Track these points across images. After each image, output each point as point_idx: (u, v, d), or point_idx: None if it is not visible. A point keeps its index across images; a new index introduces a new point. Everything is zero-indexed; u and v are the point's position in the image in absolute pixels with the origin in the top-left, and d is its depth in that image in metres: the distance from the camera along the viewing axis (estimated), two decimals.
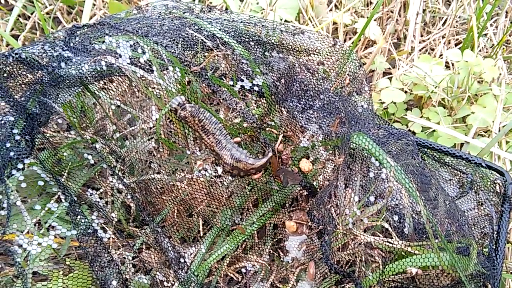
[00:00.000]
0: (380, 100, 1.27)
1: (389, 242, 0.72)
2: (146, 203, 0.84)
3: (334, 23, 1.43)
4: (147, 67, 0.73)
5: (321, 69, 0.88)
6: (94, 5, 1.39)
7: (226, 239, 0.84)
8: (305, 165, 0.87)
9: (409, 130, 1.27)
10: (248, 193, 0.83)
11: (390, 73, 1.40)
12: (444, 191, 0.82)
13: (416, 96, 1.31)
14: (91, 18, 1.35)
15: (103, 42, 0.73)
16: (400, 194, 0.84)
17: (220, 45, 0.79)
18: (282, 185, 0.85)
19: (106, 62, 0.72)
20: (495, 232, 0.91)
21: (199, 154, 0.78)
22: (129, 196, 0.79)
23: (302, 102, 0.90)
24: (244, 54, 0.80)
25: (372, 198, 0.69)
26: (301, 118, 0.90)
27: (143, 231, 0.81)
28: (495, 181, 0.96)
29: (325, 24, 1.39)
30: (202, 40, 0.76)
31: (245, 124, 0.78)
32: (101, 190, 0.81)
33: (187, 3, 0.87)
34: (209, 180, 0.79)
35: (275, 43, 0.85)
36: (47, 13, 1.37)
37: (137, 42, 0.72)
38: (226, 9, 1.32)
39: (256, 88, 0.80)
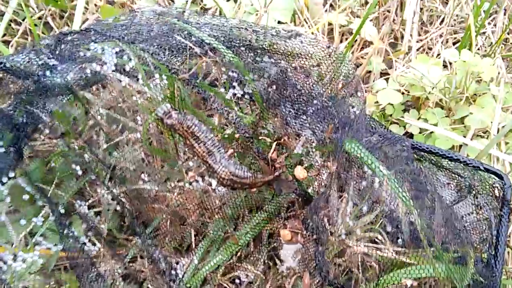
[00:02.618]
0: (377, 102, 1.25)
1: (382, 252, 0.70)
2: (138, 212, 0.82)
3: (330, 23, 1.41)
4: (133, 74, 0.71)
5: (314, 73, 0.86)
6: (86, 9, 1.37)
7: (219, 249, 0.82)
8: (300, 172, 0.85)
9: (407, 132, 1.25)
10: (241, 203, 0.82)
11: (388, 74, 1.38)
12: (440, 197, 0.80)
13: (414, 97, 1.29)
14: (83, 22, 1.33)
15: (89, 49, 0.71)
16: (394, 202, 0.82)
17: (209, 51, 0.77)
18: (276, 194, 0.84)
19: (91, 69, 0.71)
20: (494, 237, 0.89)
21: (191, 165, 0.76)
22: (118, 207, 0.77)
23: (295, 108, 0.88)
24: (234, 61, 0.78)
25: (365, 208, 0.67)
26: (295, 124, 0.88)
27: (134, 242, 0.79)
28: (494, 185, 0.94)
29: (320, 25, 1.37)
30: (190, 46, 0.74)
31: (237, 135, 0.76)
32: (91, 201, 0.79)
33: (177, 8, 0.85)
34: (201, 190, 0.78)
35: (266, 48, 0.83)
36: (39, 18, 1.35)
37: (122, 49, 0.71)
38: (220, 13, 1.30)
39: (247, 96, 0.78)
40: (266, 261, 0.89)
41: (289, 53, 0.84)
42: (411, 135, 1.25)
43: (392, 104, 1.28)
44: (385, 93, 1.24)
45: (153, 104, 0.71)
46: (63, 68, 0.74)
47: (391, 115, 1.29)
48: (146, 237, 0.79)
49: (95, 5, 1.34)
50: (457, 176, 0.98)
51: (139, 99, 0.70)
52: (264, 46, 0.83)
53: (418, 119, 1.26)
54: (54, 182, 0.75)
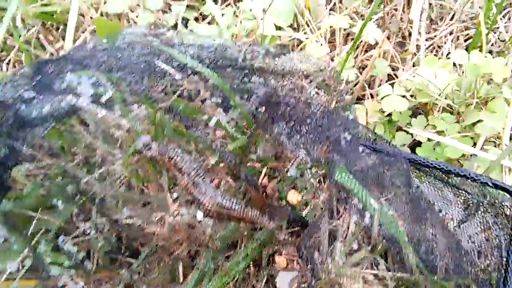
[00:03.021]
0: (381, 109, 1.19)
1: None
2: (127, 245, 0.80)
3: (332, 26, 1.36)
4: (111, 105, 0.68)
5: (309, 89, 0.81)
6: (82, 22, 1.34)
7: (211, 281, 0.79)
8: (293, 196, 0.81)
9: (414, 140, 1.19)
10: (229, 233, 0.78)
11: (396, 77, 1.32)
12: (442, 222, 0.75)
13: (421, 102, 1.23)
14: (78, 38, 1.30)
15: (63, 80, 0.68)
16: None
17: (192, 75, 0.73)
18: (267, 220, 0.80)
19: (66, 102, 0.68)
20: (504, 259, 0.84)
21: (175, 196, 0.73)
22: (101, 242, 0.75)
23: (288, 127, 0.84)
24: (219, 84, 0.74)
25: (355, 246, 0.63)
26: (288, 144, 0.84)
27: (122, 275, 0.77)
28: (503, 202, 0.89)
29: (323, 30, 1.32)
30: (170, 72, 0.70)
31: (221, 164, 0.72)
32: (73, 235, 0.77)
33: (162, 28, 0.81)
34: (187, 222, 0.74)
35: (254, 67, 0.79)
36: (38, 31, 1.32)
37: (98, 79, 0.67)
38: (215, 22, 1.26)
39: (232, 123, 0.74)
40: None
41: (279, 72, 0.80)
42: (419, 143, 1.19)
43: (400, 112, 1.22)
44: (389, 100, 1.18)
45: (132, 136, 0.67)
46: (40, 100, 0.71)
47: (397, 122, 1.23)
48: (133, 270, 0.76)
49: (91, 17, 1.31)
50: (464, 193, 0.93)
51: (118, 131, 0.66)
52: (252, 65, 0.79)
53: (426, 125, 1.21)
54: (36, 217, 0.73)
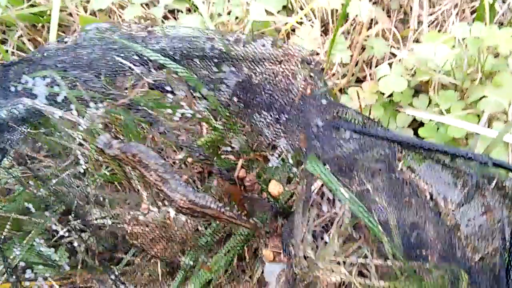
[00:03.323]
0: (379, 91, 1.13)
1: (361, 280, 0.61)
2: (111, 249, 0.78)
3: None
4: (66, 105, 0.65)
5: (282, 78, 0.77)
6: (73, 21, 1.33)
7: (191, 280, 0.76)
8: (274, 188, 0.77)
9: (415, 121, 1.13)
10: (209, 231, 0.75)
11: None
12: (430, 208, 0.70)
13: (423, 80, 1.16)
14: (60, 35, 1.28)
15: (19, 82, 0.66)
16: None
17: (154, 69, 0.70)
18: (248, 215, 0.76)
19: (23, 104, 0.65)
20: (508, 243, 0.78)
21: (145, 195, 0.70)
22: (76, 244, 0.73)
23: (268, 117, 0.80)
24: (185, 76, 0.71)
25: (326, 237, 0.59)
26: (268, 134, 0.80)
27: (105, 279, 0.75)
28: (505, 182, 0.82)
29: (316, 11, 1.26)
30: (129, 67, 0.67)
31: (189, 159, 0.69)
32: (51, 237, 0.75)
33: (125, 22, 0.78)
34: (160, 220, 0.71)
35: (224, 56, 0.75)
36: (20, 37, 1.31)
37: (54, 80, 0.65)
38: (195, 9, 1.22)
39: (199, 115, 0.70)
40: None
41: (251, 59, 0.76)
42: (422, 124, 1.13)
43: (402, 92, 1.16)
44: (387, 80, 1.12)
45: (92, 135, 0.65)
46: (3, 104, 0.69)
47: (399, 102, 1.17)
48: (116, 274, 0.74)
49: (72, 14, 1.29)
50: (462, 174, 0.87)
51: (75, 132, 0.64)
52: (222, 54, 0.75)
53: (429, 104, 1.14)
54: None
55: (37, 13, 1.28)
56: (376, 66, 1.23)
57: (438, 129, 1.12)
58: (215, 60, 0.75)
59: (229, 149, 0.75)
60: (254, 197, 0.77)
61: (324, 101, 0.70)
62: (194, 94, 0.74)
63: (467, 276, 0.61)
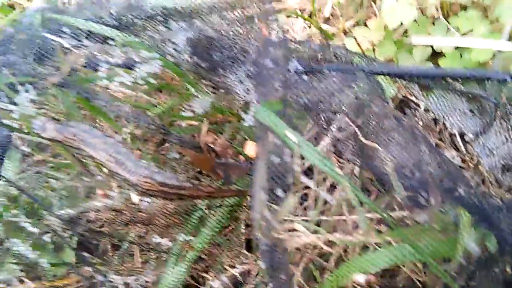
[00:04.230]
0: (386, 26, 1.00)
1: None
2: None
3: None
4: None
5: (240, 25, 0.68)
6: None
7: (176, 261, 0.70)
8: (251, 148, 0.69)
9: (435, 52, 0.99)
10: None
11: None
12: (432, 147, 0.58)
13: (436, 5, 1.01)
14: None
15: None
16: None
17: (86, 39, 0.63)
18: (224, 182, 0.68)
19: None
20: None
21: (101, 179, 0.64)
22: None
23: (234, 71, 0.71)
24: (125, 39, 0.64)
25: (280, 193, 0.50)
26: (239, 91, 0.72)
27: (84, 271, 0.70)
28: None
29: None
30: (59, 42, 0.61)
31: (138, 131, 0.62)
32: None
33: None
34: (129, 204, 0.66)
35: (169, 12, 0.67)
36: None
37: None
38: None
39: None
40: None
41: (198, 10, 0.67)
42: (442, 55, 0.99)
43: (415, 21, 1.02)
44: (392, 12, 0.98)
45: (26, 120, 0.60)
46: None
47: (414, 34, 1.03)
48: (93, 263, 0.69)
49: None
50: (479, 98, 0.73)
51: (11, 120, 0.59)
52: (165, 10, 0.67)
53: (448, 31, 0.99)
54: None
55: None
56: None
57: (461, 56, 0.97)
58: (160, 18, 0.68)
59: (190, 114, 0.67)
60: (229, 162, 0.69)
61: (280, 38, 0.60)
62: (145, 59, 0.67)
63: (467, 213, 0.49)
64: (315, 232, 0.52)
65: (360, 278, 0.48)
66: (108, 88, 0.63)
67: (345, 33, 1.07)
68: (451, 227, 0.51)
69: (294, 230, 0.52)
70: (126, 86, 0.61)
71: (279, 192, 0.50)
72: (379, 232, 0.49)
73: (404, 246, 0.48)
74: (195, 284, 0.77)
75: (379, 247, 0.50)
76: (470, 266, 0.47)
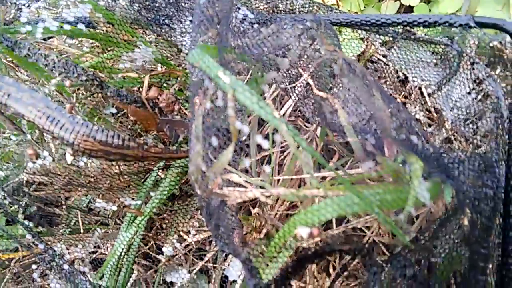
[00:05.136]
0: None
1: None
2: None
3: None
4: None
5: None
6: None
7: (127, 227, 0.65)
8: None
9: (402, 5, 0.94)
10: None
11: None
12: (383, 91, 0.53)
13: None
14: None
15: None
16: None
17: None
18: (171, 141, 0.63)
19: None
20: (506, 121, 0.59)
21: (28, 138, 0.59)
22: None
23: (180, 20, 0.66)
24: None
25: (214, 142, 0.45)
26: (185, 43, 0.66)
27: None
28: (495, 44, 0.63)
29: None
30: None
31: (67, 83, 0.56)
32: None
33: None
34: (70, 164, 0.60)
35: None
36: None
37: None
38: None
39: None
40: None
41: None
42: (409, 8, 0.94)
43: None
44: None
45: None
46: None
47: None
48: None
49: None
50: (441, 47, 0.68)
51: None
52: None
53: None
54: None
55: None
56: None
57: (430, 10, 0.92)
58: None
59: (127, 65, 0.62)
60: (175, 119, 0.64)
61: None
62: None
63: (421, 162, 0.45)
64: (261, 187, 0.47)
65: (303, 232, 0.44)
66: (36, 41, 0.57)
67: None
68: (405, 179, 0.47)
69: (237, 184, 0.48)
70: (50, 33, 0.55)
71: (214, 141, 0.45)
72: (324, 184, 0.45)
73: (350, 196, 0.44)
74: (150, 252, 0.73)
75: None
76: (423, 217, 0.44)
